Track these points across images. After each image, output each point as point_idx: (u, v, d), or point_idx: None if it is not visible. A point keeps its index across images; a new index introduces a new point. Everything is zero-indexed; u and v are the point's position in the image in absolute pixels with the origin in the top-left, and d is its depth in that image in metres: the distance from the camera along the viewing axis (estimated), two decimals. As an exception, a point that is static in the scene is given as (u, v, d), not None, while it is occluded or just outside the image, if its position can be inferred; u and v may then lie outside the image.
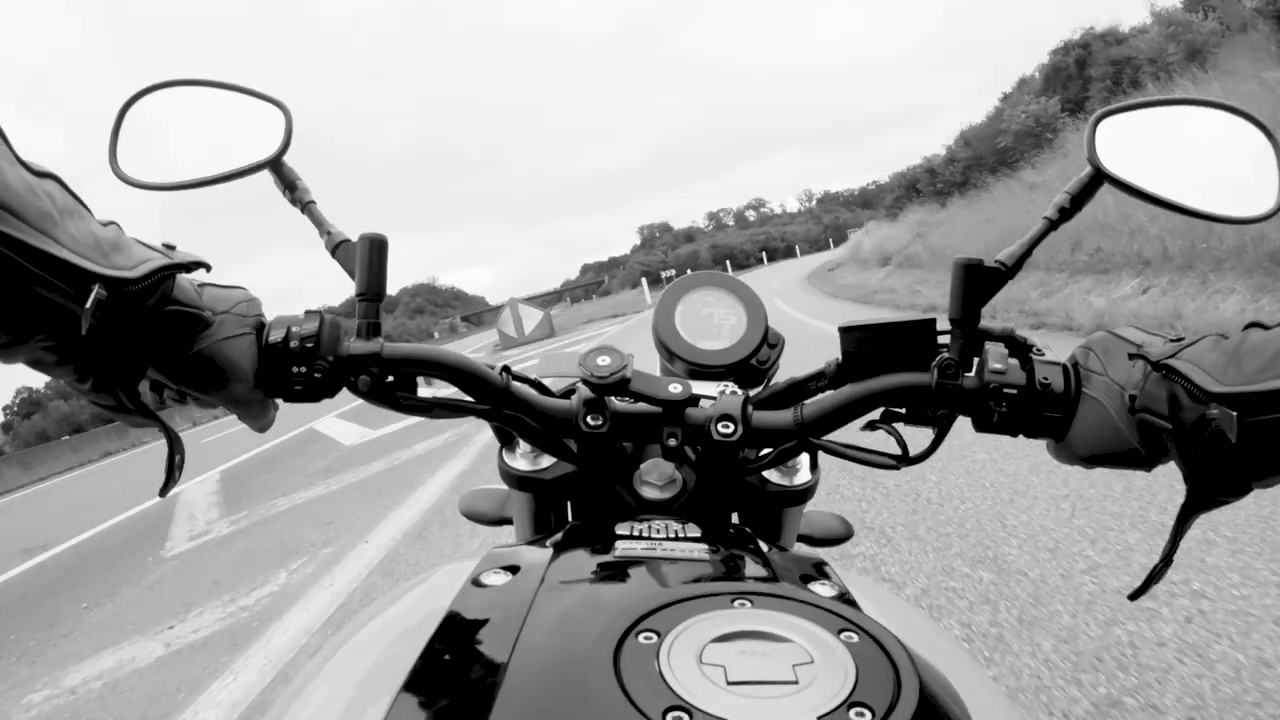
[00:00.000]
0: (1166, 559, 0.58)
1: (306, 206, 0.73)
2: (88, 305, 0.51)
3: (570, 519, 0.81)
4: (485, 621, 0.49)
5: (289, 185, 0.73)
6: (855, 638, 0.41)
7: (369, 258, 0.67)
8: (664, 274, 60.42)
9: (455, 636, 0.48)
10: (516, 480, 0.78)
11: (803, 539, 0.94)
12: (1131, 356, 0.60)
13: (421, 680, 0.44)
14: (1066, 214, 0.68)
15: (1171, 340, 0.60)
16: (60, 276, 0.50)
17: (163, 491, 0.64)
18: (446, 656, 0.46)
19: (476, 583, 0.54)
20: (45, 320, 0.53)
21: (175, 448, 0.63)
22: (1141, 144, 0.69)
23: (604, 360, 0.64)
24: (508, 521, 0.99)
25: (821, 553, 0.74)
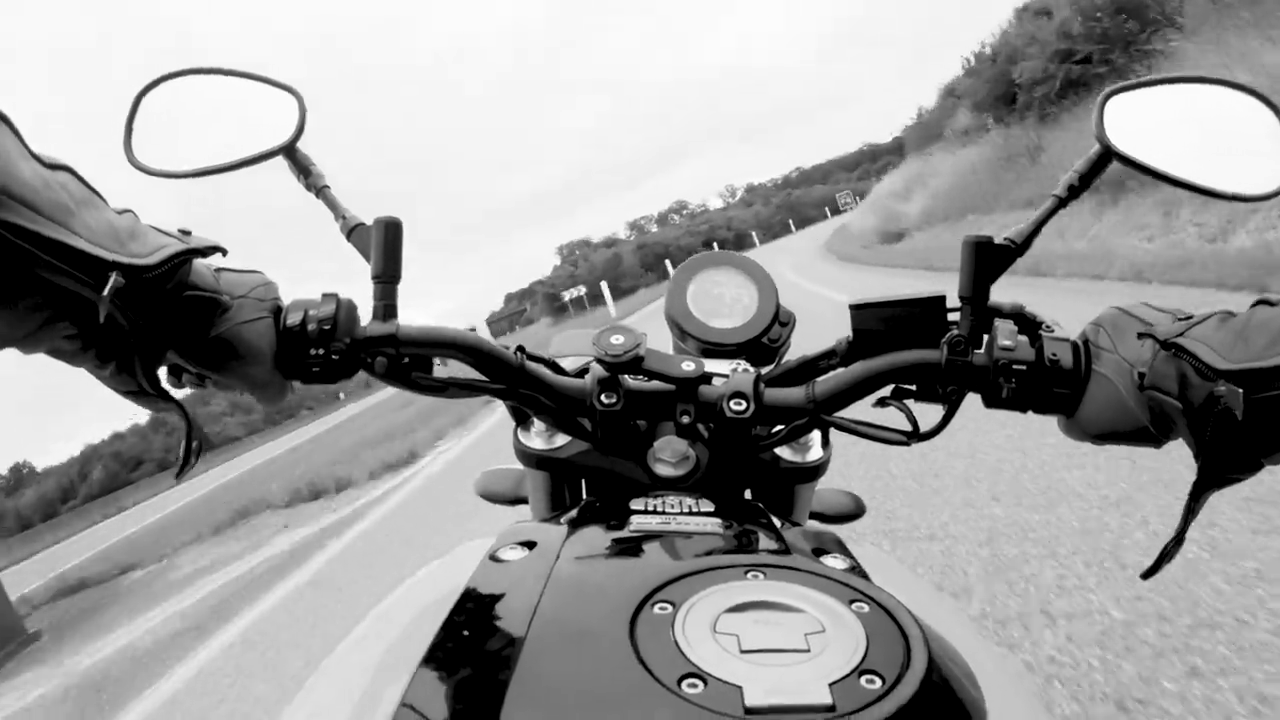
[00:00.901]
0: (1179, 537, 0.59)
1: (321, 191, 0.74)
2: (105, 293, 0.52)
3: (585, 497, 0.82)
4: (503, 595, 0.50)
5: (303, 171, 0.74)
6: (866, 608, 0.42)
7: (384, 241, 0.68)
8: (566, 295, 53.43)
9: (474, 610, 0.49)
10: (532, 459, 0.79)
11: (815, 516, 0.95)
12: (1140, 335, 0.61)
13: (441, 653, 0.45)
14: (1075, 192, 0.68)
15: (1180, 319, 0.60)
16: (78, 266, 0.51)
17: (178, 475, 0.65)
18: (465, 630, 0.47)
19: (494, 558, 0.55)
20: (65, 310, 0.54)
21: (194, 433, 0.64)
22: (1150, 122, 0.69)
23: (618, 339, 0.65)
24: (523, 501, 1.01)
25: (833, 529, 0.75)
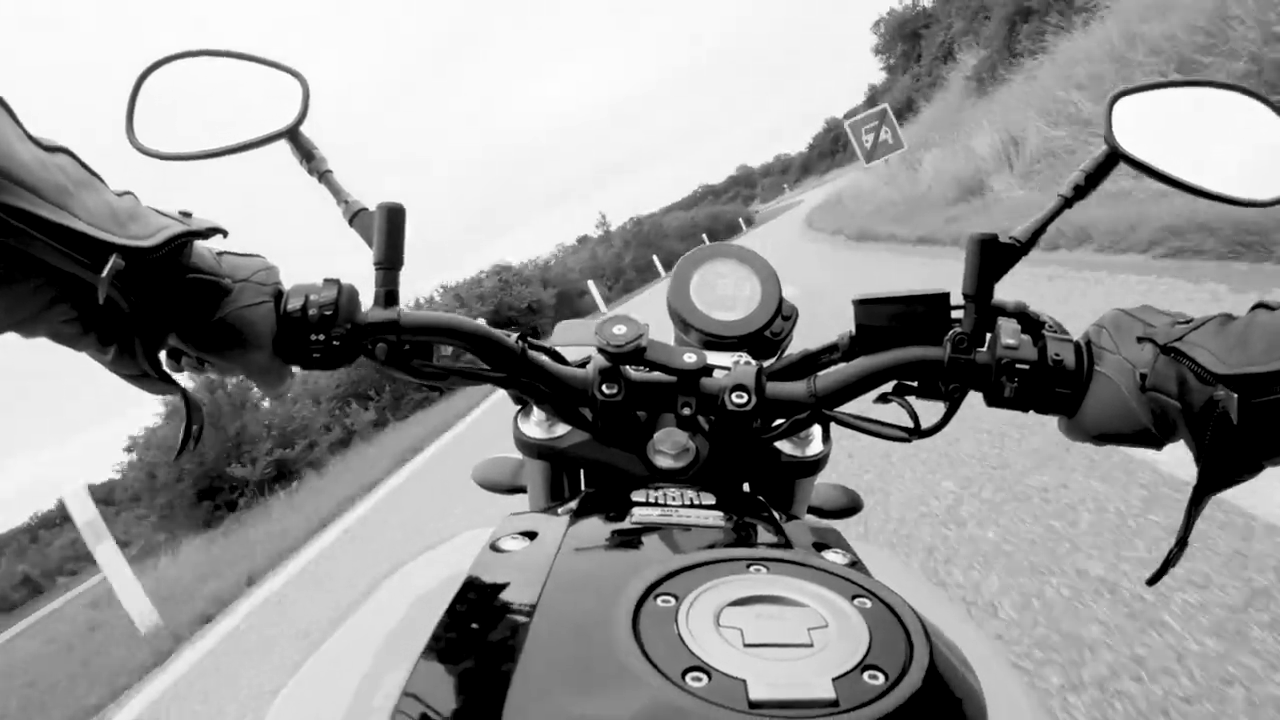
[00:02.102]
0: (1181, 542, 0.59)
1: (324, 176, 0.73)
2: (104, 274, 0.51)
3: (583, 487, 0.82)
4: (505, 585, 0.50)
5: (306, 155, 0.74)
6: (868, 603, 0.42)
7: (387, 226, 0.68)
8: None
9: (475, 600, 0.49)
10: (531, 448, 0.79)
11: (812, 510, 0.95)
12: (1140, 338, 0.61)
13: (443, 643, 0.45)
14: (1081, 192, 0.68)
15: (1180, 322, 0.60)
16: (77, 248, 0.51)
17: (178, 455, 0.65)
18: (467, 620, 0.47)
19: (495, 548, 0.55)
20: (64, 293, 0.54)
21: (194, 415, 0.64)
22: (1158, 124, 0.69)
23: (620, 329, 0.65)
24: (521, 490, 1.01)
25: (831, 524, 0.75)
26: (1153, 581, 0.62)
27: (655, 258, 38.00)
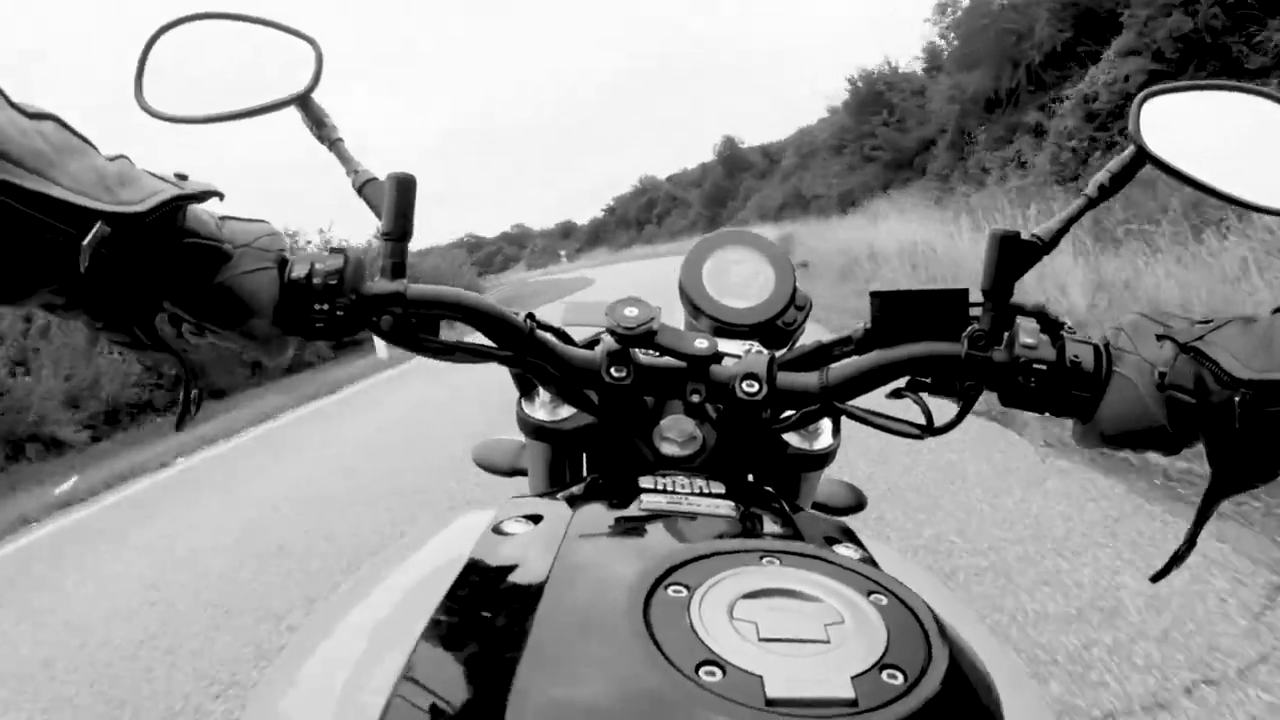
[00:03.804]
0: (1190, 541, 0.58)
1: (334, 144, 0.72)
2: (85, 243, 0.50)
3: (585, 472, 0.81)
4: (509, 570, 0.49)
5: (317, 122, 0.72)
6: (884, 600, 0.41)
7: (396, 197, 0.66)
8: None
9: (478, 584, 0.48)
10: (535, 430, 0.78)
11: (816, 506, 0.94)
12: (1159, 337, 0.60)
13: (443, 628, 0.44)
14: (1106, 192, 0.67)
15: (1199, 322, 0.60)
16: (60, 217, 0.49)
17: (179, 425, 0.64)
18: (469, 604, 0.46)
19: (497, 530, 0.54)
20: (50, 263, 0.52)
21: (193, 381, 0.63)
22: (1186, 126, 0.68)
23: (631, 311, 0.63)
24: (521, 473, 1.00)
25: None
26: (1156, 579, 0.62)
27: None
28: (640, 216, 76.26)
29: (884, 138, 23.35)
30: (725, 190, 54.01)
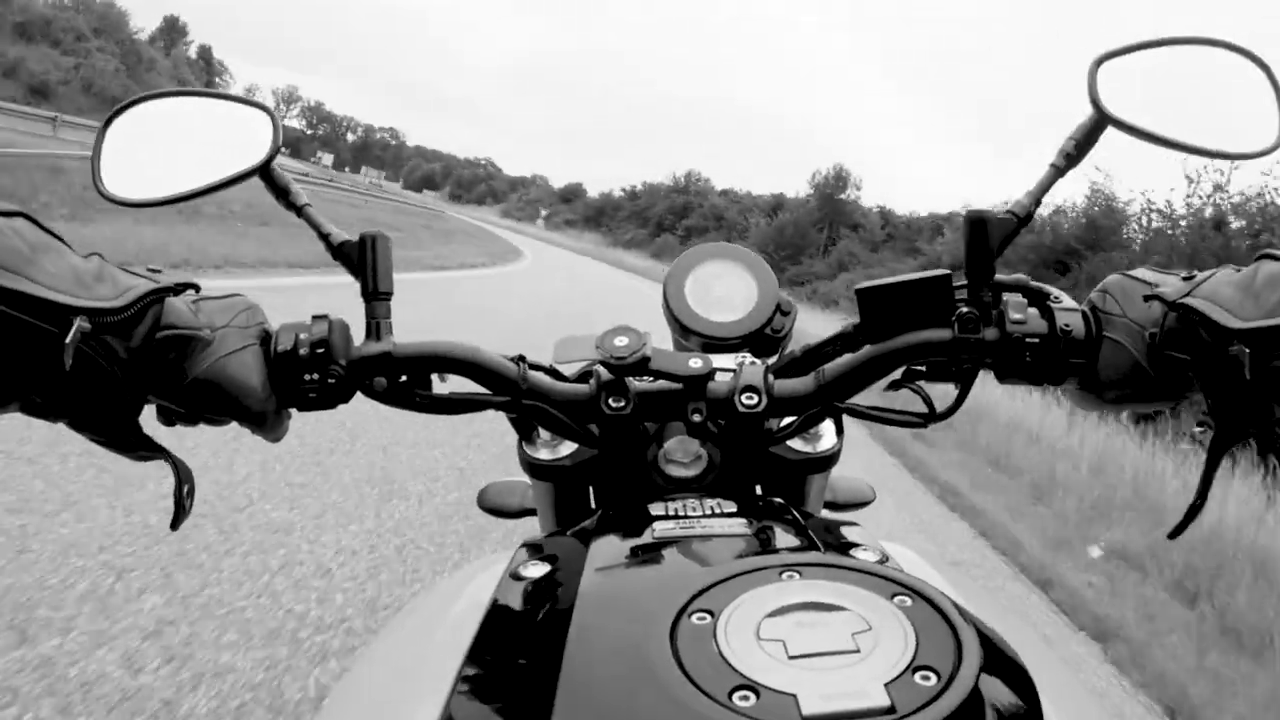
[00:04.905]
0: (1202, 494, 0.58)
1: (301, 210, 0.71)
2: (68, 340, 0.49)
3: (593, 505, 0.81)
4: (532, 613, 0.49)
5: (282, 190, 0.71)
6: (909, 601, 0.41)
7: (373, 256, 0.66)
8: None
9: (503, 630, 0.48)
10: (539, 470, 0.78)
11: (827, 506, 0.94)
12: (1147, 298, 0.60)
13: (476, 675, 0.43)
14: (1073, 159, 0.68)
15: (1185, 278, 0.60)
16: (40, 316, 0.49)
17: (174, 525, 0.61)
18: (496, 651, 0.46)
19: (515, 576, 0.53)
20: (32, 364, 0.51)
21: (183, 479, 0.61)
22: (1143, 85, 0.69)
23: (622, 341, 0.63)
24: (530, 513, 0.99)
25: (849, 517, 0.74)
26: (1174, 535, 0.62)
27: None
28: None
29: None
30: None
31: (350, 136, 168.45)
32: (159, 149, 0.75)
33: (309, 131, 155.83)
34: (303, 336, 0.63)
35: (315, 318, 0.65)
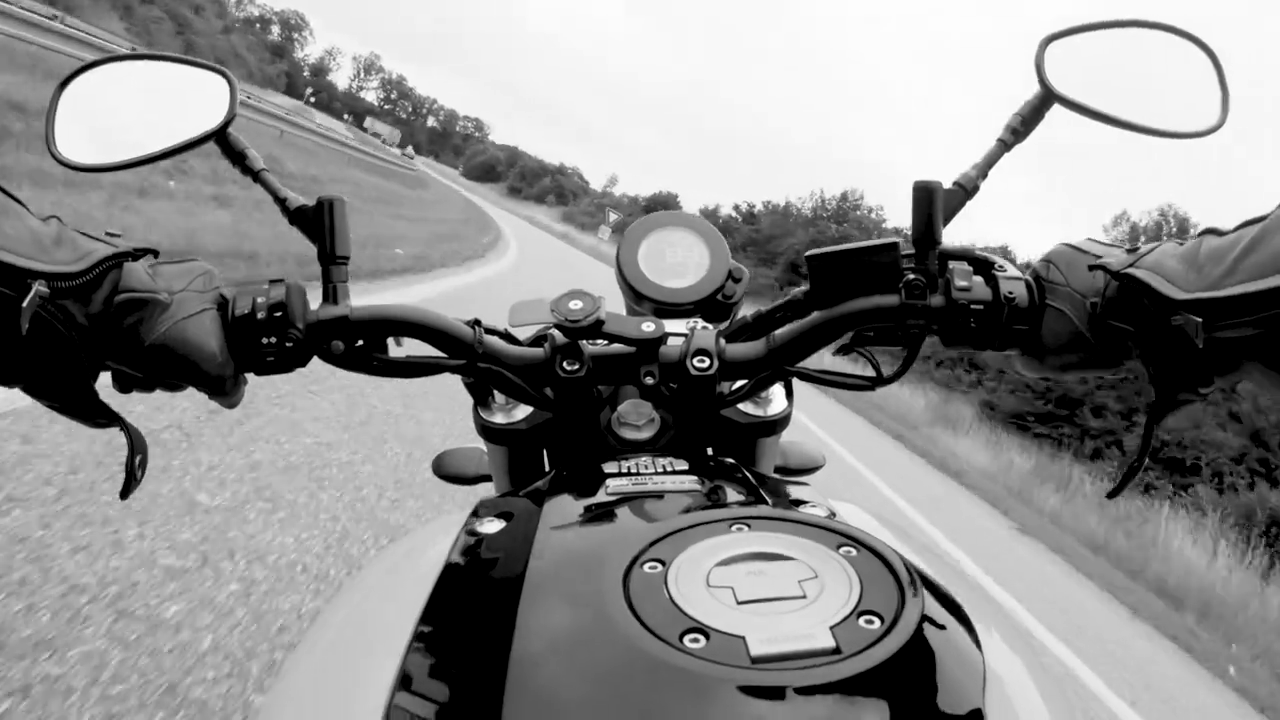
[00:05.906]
0: (1141, 457, 0.61)
1: (258, 175, 0.71)
2: (25, 304, 0.49)
3: (547, 468, 0.82)
4: (487, 568, 0.49)
5: (238, 155, 0.71)
6: (854, 552, 0.42)
7: (329, 221, 0.66)
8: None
9: (458, 586, 0.48)
10: (493, 434, 0.78)
11: (777, 470, 0.95)
12: (1091, 268, 0.62)
13: (430, 632, 0.44)
14: (1019, 135, 0.69)
15: (1129, 250, 0.62)
16: None
17: (123, 494, 0.61)
18: (452, 607, 0.46)
19: (471, 532, 0.54)
20: None
21: (136, 447, 0.60)
22: (1090, 65, 0.71)
23: (576, 304, 0.64)
24: (486, 479, 1.00)
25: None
26: (1113, 495, 0.65)
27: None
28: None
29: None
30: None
31: (432, 121, 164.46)
32: (115, 113, 0.74)
33: (385, 106, 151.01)
34: (260, 300, 0.63)
35: (272, 281, 0.65)
